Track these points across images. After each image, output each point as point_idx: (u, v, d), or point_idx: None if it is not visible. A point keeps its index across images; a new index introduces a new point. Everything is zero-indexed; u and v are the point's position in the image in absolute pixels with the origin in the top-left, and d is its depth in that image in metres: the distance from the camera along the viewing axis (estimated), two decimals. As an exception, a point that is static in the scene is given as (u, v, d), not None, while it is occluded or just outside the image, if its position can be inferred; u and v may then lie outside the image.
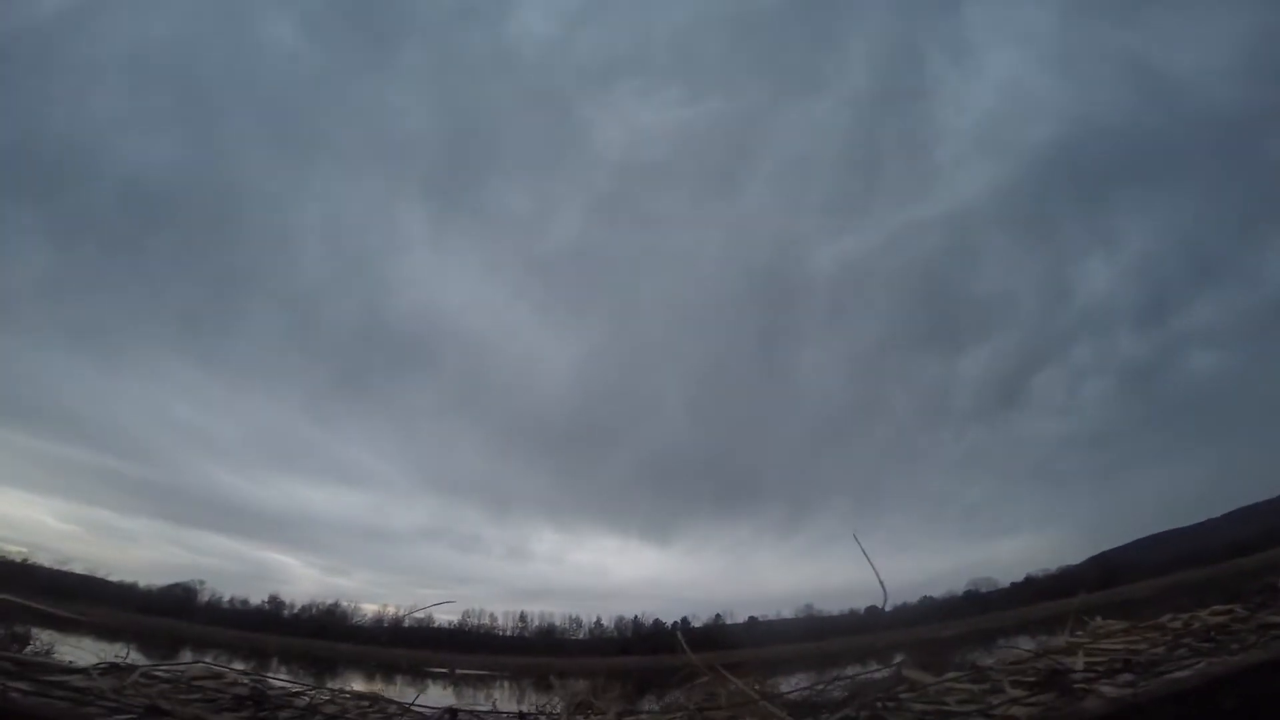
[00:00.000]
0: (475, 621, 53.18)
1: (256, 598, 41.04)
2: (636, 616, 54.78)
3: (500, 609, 50.55)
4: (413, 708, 3.65)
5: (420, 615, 46.33)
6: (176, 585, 37.98)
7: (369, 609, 45.26)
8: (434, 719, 3.70)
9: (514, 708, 4.36)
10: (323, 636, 38.95)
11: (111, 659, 3.82)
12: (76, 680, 3.02)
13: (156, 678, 3.43)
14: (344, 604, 44.45)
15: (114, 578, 35.38)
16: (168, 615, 34.22)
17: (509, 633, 54.64)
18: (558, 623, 53.91)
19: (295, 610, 41.56)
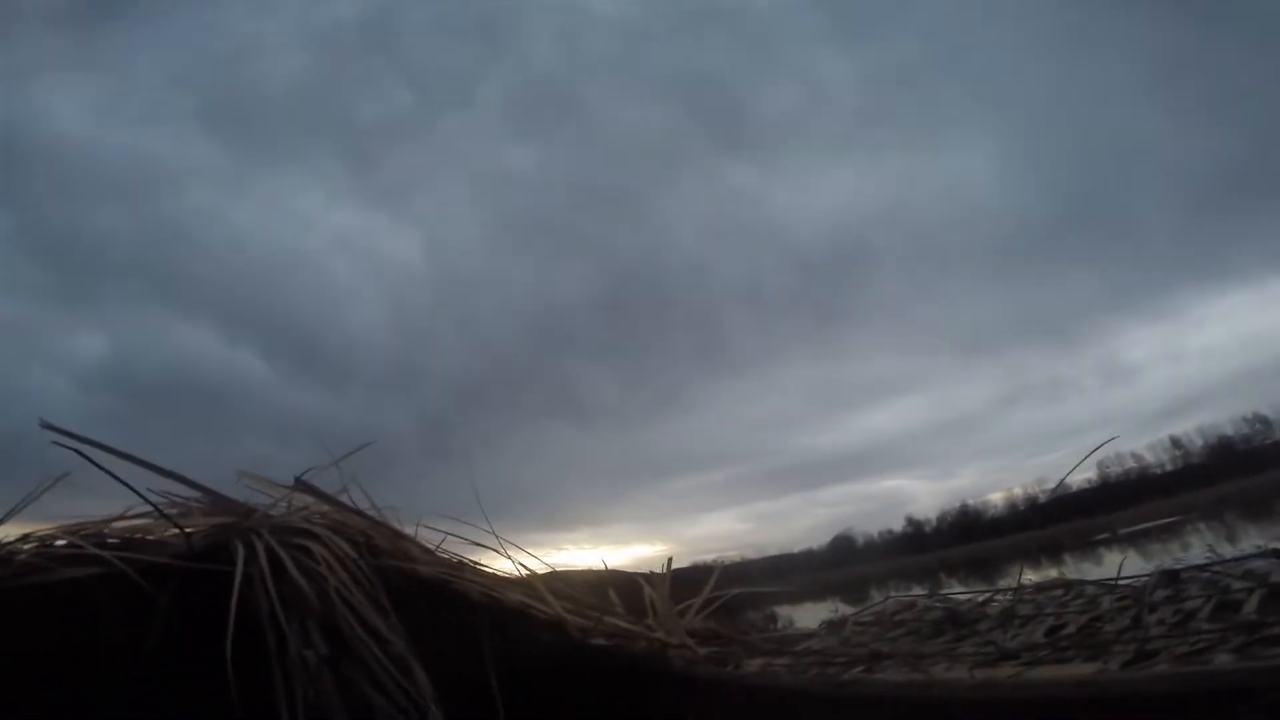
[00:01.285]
0: (1117, 469, 42.78)
1: (896, 525, 41.46)
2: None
3: (1143, 443, 39.65)
4: (1117, 583, 2.98)
5: (1047, 486, 40.05)
6: (838, 537, 40.96)
7: (996, 498, 40.98)
8: (1146, 588, 2.71)
9: (1237, 550, 3.70)
10: (970, 539, 36.11)
11: (826, 616, 4.60)
12: (814, 644, 3.48)
13: (865, 623, 3.84)
14: (970, 502, 41.17)
15: (796, 549, 40.11)
16: (844, 565, 36.04)
17: (1168, 466, 42.63)
18: (1231, 431, 39.84)
19: (933, 523, 40.26)
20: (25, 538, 2.42)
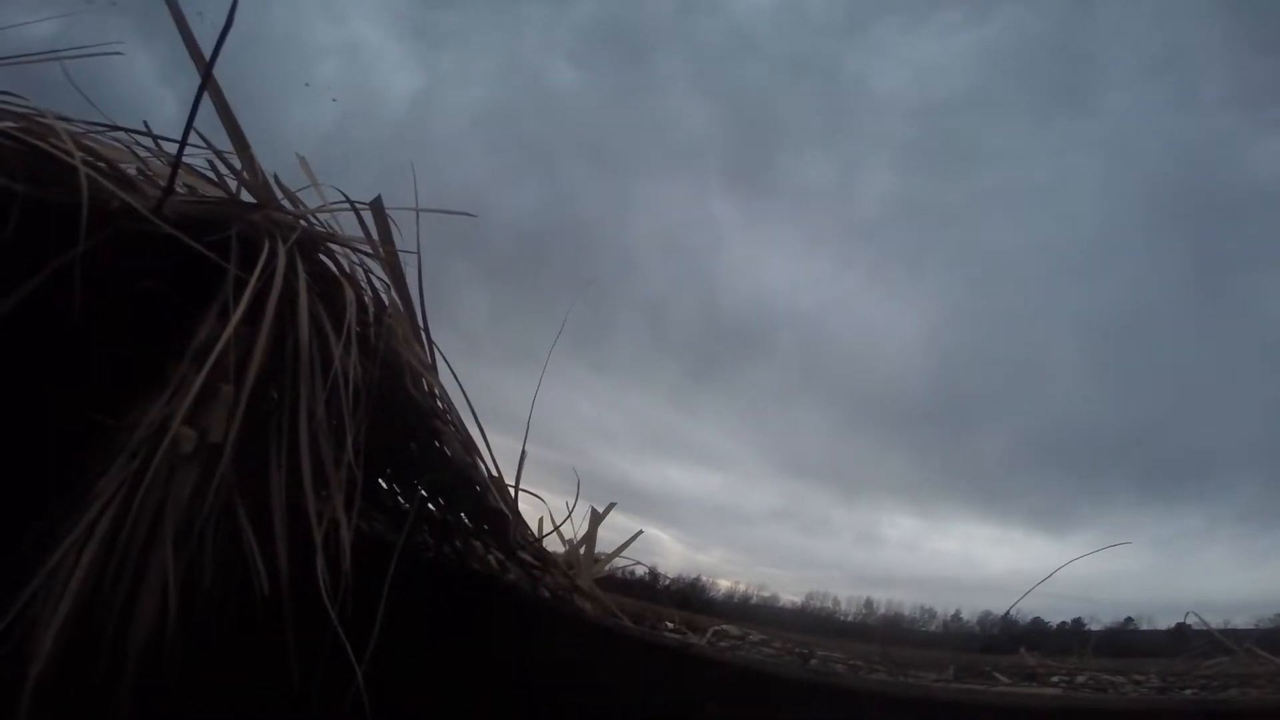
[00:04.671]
0: (818, 604, 50.06)
1: (640, 569, 43.84)
2: (1009, 612, 45.81)
3: (845, 594, 47.06)
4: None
5: (768, 595, 46.47)
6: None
7: (722, 584, 45.58)
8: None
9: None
10: (685, 608, 39.61)
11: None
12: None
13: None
14: (703, 579, 45.22)
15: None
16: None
17: (850, 618, 50.71)
18: (907, 612, 48.12)
19: (667, 581, 43.33)
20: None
